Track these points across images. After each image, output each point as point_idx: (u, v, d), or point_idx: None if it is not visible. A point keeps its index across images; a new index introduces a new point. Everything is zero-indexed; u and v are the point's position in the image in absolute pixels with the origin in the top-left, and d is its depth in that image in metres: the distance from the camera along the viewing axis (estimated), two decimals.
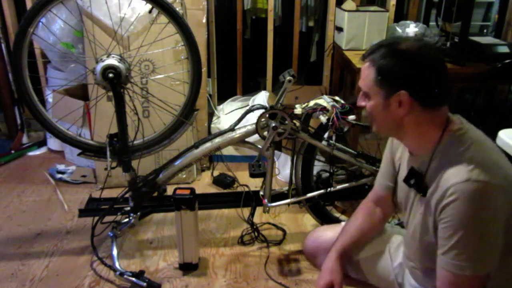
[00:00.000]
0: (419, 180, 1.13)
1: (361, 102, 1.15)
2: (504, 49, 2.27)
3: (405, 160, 1.23)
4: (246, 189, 2.19)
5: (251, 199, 1.96)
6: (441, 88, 1.07)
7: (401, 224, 1.53)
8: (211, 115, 2.85)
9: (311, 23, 3.30)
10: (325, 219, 1.94)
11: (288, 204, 1.83)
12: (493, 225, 0.99)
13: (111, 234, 1.81)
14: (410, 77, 1.04)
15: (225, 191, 2.42)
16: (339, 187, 1.85)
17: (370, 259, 1.45)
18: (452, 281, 1.04)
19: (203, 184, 2.50)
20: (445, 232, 1.03)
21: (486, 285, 1.05)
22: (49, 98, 2.50)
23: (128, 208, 1.82)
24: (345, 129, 1.65)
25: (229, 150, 2.62)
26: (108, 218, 1.87)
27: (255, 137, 1.72)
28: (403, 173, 1.24)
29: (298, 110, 1.70)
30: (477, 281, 1.03)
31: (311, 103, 1.69)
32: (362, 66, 1.13)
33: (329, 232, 1.53)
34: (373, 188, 1.46)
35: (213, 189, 2.44)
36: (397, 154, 1.31)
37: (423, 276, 1.22)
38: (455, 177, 1.01)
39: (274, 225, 2.07)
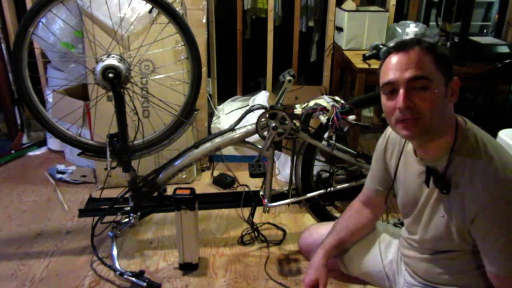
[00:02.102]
0: (439, 179, 1.11)
1: (416, 99, 1.02)
2: (504, 49, 2.27)
3: (410, 165, 1.22)
4: (246, 189, 2.19)
5: (251, 199, 1.96)
6: None
7: (402, 224, 1.54)
8: (211, 115, 2.85)
9: (311, 23, 3.30)
10: (325, 219, 1.94)
11: (288, 204, 1.84)
12: None
13: (111, 234, 1.81)
14: (453, 66, 1.07)
15: (225, 191, 2.42)
16: (339, 187, 1.85)
17: (360, 256, 1.47)
18: (506, 283, 1.04)
19: (203, 184, 2.50)
20: (487, 238, 1.03)
21: None
22: (49, 98, 2.50)
23: (128, 208, 1.82)
24: (345, 129, 1.66)
25: (229, 150, 2.62)
26: (108, 218, 1.87)
27: (255, 137, 1.72)
28: (408, 177, 1.24)
29: (298, 110, 1.70)
30: None
31: (311, 103, 1.70)
32: (406, 55, 1.04)
33: (322, 229, 1.56)
34: (362, 190, 1.48)
35: (213, 189, 2.44)
36: (391, 162, 1.31)
37: (435, 266, 1.22)
38: (482, 178, 1.01)
39: (274, 225, 2.07)
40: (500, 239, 1.01)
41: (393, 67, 1.04)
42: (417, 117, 1.03)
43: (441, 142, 1.09)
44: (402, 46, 1.05)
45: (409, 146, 1.23)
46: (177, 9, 1.86)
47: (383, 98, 1.09)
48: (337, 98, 1.70)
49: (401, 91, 1.02)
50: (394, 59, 1.05)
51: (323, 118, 1.64)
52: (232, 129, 1.75)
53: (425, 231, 1.21)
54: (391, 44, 1.15)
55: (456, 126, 1.09)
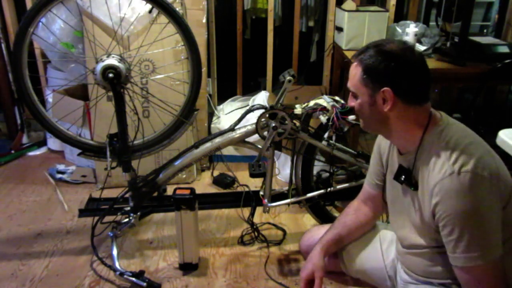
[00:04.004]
0: (408, 176, 1.19)
1: (351, 102, 1.21)
2: (504, 49, 2.28)
3: (395, 160, 1.28)
4: (246, 189, 2.19)
5: (251, 199, 1.96)
6: (422, 87, 1.14)
7: None
8: (211, 115, 2.85)
9: (311, 23, 3.30)
10: (325, 219, 1.94)
11: (288, 204, 1.83)
12: (486, 210, 1.03)
13: (111, 234, 1.81)
14: (393, 75, 1.11)
15: (225, 191, 2.42)
16: (339, 187, 1.85)
17: (361, 254, 1.48)
18: (469, 275, 1.07)
19: (203, 184, 2.50)
20: (445, 230, 1.07)
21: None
22: (49, 98, 2.50)
23: (128, 208, 1.82)
24: (345, 129, 1.66)
25: (229, 150, 2.62)
26: (108, 218, 1.87)
27: (255, 137, 1.72)
28: (392, 172, 1.28)
29: (298, 110, 1.70)
30: (492, 267, 1.05)
31: (311, 103, 1.69)
32: (351, 66, 1.18)
33: (322, 231, 1.56)
34: (362, 188, 1.50)
35: (213, 189, 2.44)
36: (385, 155, 1.36)
37: (425, 261, 1.24)
38: (438, 173, 1.06)
39: (274, 225, 2.07)
40: (455, 231, 1.04)
41: None
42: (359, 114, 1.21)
43: (406, 138, 1.17)
44: (353, 56, 1.18)
45: None
46: (177, 9, 1.86)
47: None
48: (337, 98, 1.70)
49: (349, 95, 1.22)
50: None
51: (323, 118, 1.64)
52: (232, 129, 1.75)
53: (407, 226, 1.24)
54: None
55: (428, 124, 1.14)
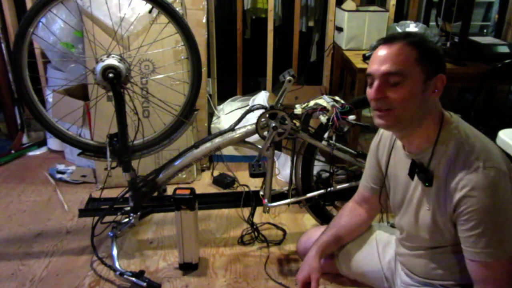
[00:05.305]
0: (423, 171, 1.14)
1: (389, 92, 1.05)
2: (504, 49, 2.28)
3: (400, 160, 1.25)
4: (246, 189, 2.19)
5: (251, 199, 1.96)
6: None
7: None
8: (211, 115, 2.85)
9: (311, 23, 3.30)
10: (325, 219, 1.94)
11: (288, 204, 1.83)
12: (510, 205, 1.02)
13: (111, 234, 1.81)
14: (443, 62, 1.08)
15: (225, 191, 2.42)
16: (339, 187, 1.85)
17: (357, 256, 1.48)
18: (489, 270, 1.05)
19: (203, 184, 2.50)
20: (467, 224, 1.05)
21: None
22: (49, 98, 2.50)
23: (128, 208, 1.82)
24: (345, 129, 1.66)
25: (229, 150, 2.62)
26: (108, 218, 1.87)
27: (255, 137, 1.72)
28: (398, 173, 1.26)
29: (298, 110, 1.70)
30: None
31: (311, 103, 1.69)
32: (388, 48, 1.06)
33: (320, 232, 1.55)
34: (358, 189, 1.49)
35: (213, 189, 2.44)
36: (383, 159, 1.33)
37: (429, 262, 1.23)
38: (462, 168, 1.04)
39: (274, 225, 2.07)
40: (479, 225, 1.03)
41: (375, 60, 1.08)
42: (389, 108, 1.07)
43: (425, 134, 1.12)
44: (389, 39, 1.08)
45: (399, 142, 1.25)
46: (177, 9, 1.86)
47: (367, 86, 1.14)
48: (337, 98, 1.70)
49: (375, 83, 1.07)
50: (379, 51, 1.09)
51: (323, 118, 1.64)
52: (232, 129, 1.75)
53: (414, 226, 1.22)
54: None
55: (442, 119, 1.11)
